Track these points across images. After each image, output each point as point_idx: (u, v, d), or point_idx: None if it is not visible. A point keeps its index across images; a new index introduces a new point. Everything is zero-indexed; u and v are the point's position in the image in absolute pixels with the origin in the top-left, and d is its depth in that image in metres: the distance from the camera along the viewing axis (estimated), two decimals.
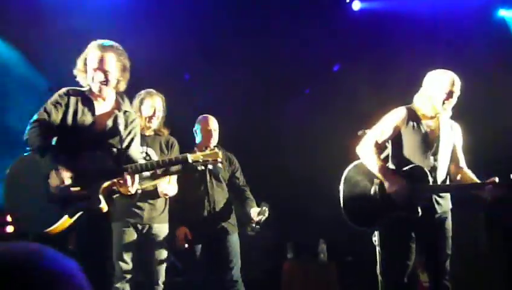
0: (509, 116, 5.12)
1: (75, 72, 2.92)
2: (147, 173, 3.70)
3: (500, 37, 5.79)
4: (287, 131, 6.16)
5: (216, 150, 2.96)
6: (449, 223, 3.22)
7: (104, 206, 2.76)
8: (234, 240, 4.05)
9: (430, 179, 3.10)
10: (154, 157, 3.78)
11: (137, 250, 3.71)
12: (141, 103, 3.80)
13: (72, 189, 2.66)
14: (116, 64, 2.88)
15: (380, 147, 3.29)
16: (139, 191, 3.63)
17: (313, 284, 5.44)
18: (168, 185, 3.74)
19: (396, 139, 3.25)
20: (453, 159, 3.29)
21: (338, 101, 5.93)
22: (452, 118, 3.33)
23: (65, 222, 2.69)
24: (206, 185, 3.96)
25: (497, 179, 2.96)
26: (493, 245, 5.16)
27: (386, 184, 3.12)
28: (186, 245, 3.95)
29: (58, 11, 5.03)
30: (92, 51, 2.87)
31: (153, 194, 3.71)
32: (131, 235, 3.70)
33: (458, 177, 3.24)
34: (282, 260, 5.75)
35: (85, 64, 2.89)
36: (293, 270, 5.57)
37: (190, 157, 2.86)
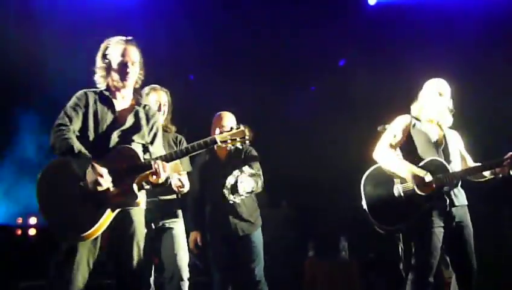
0: None
1: (96, 70, 2.93)
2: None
3: None
4: (298, 130, 6.12)
5: (242, 127, 2.93)
6: (468, 218, 3.31)
7: (140, 200, 2.81)
8: (256, 239, 3.98)
9: (449, 169, 3.22)
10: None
11: (156, 250, 3.64)
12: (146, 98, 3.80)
13: (108, 187, 2.69)
14: (139, 57, 2.95)
15: (394, 150, 3.43)
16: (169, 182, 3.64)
17: (335, 282, 5.44)
18: (181, 178, 3.68)
19: (407, 140, 3.41)
20: (462, 159, 3.44)
21: (353, 98, 5.89)
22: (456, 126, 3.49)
23: (108, 217, 2.70)
24: (225, 182, 3.97)
25: None
26: None
27: (413, 180, 3.23)
28: (196, 250, 3.97)
29: (62, 11, 5.04)
30: (115, 45, 2.91)
31: (165, 190, 3.62)
32: (147, 234, 3.66)
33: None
34: (304, 259, 5.75)
35: (104, 61, 2.91)
36: (314, 267, 5.56)
37: (218, 138, 2.88)
